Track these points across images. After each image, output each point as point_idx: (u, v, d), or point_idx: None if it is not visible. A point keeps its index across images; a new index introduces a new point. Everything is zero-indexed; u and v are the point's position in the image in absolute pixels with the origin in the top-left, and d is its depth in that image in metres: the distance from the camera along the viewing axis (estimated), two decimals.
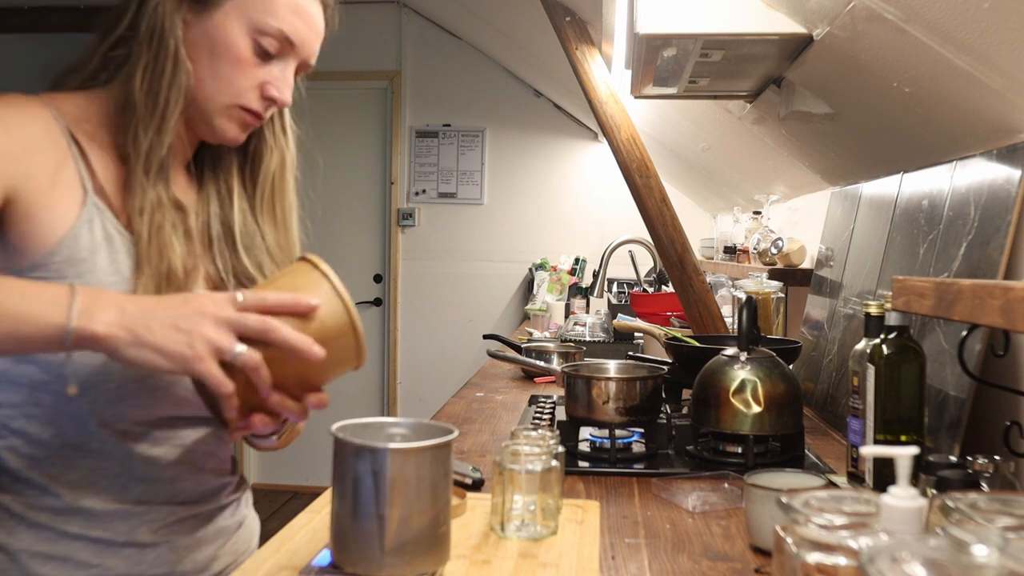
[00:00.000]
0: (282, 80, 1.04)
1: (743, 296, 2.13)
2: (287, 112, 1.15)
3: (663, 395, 1.53)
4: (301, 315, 0.86)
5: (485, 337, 2.93)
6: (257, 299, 0.85)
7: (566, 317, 3.49)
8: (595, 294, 3.46)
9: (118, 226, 0.98)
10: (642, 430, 1.51)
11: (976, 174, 1.31)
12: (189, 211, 1.07)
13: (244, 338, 0.83)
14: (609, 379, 1.48)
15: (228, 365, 0.83)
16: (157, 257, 0.99)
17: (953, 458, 0.93)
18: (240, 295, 0.84)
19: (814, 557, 0.65)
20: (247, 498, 1.18)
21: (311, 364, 0.85)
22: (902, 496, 0.64)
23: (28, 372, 0.95)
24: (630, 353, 2.12)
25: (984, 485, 0.87)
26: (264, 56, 1.02)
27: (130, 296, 0.86)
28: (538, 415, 1.78)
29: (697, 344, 1.79)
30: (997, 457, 0.89)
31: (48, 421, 0.96)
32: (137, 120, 0.98)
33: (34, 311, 0.81)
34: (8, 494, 0.96)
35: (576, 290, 4.26)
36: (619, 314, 2.88)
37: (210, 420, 1.06)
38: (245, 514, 1.16)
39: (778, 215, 2.75)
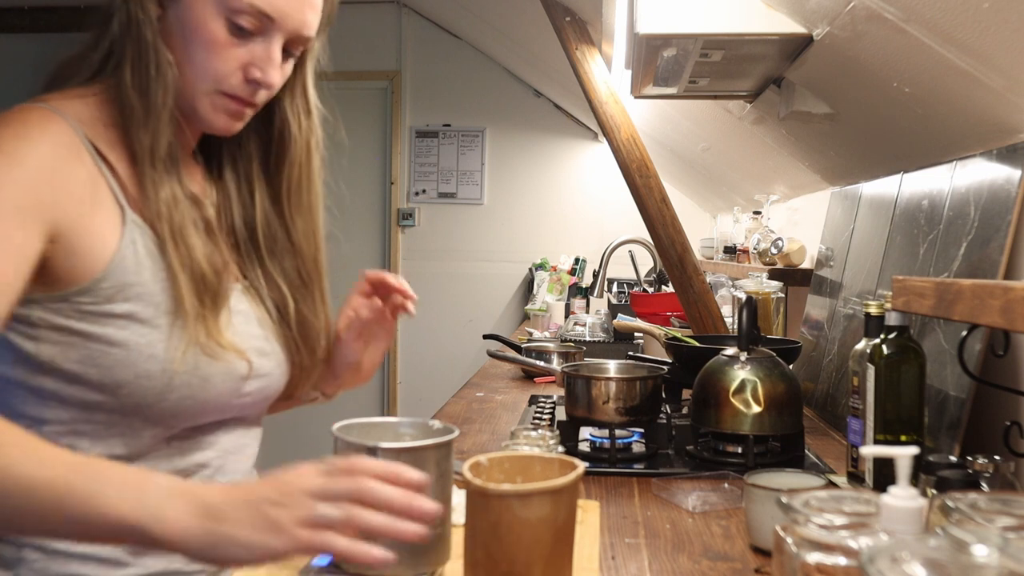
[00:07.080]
0: (266, 60, 0.95)
1: (743, 296, 2.13)
2: (311, 90, 1.08)
3: (663, 395, 1.53)
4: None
5: (485, 337, 2.93)
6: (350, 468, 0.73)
7: (566, 317, 3.49)
8: (595, 294, 3.46)
9: (157, 240, 0.95)
10: (642, 430, 1.51)
11: (976, 174, 1.31)
12: (206, 204, 1.02)
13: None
14: (609, 379, 1.48)
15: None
16: (187, 258, 0.94)
17: (953, 458, 0.93)
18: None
19: (814, 557, 0.65)
20: None
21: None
22: (902, 496, 0.64)
23: (79, 393, 0.91)
24: (630, 353, 2.12)
25: (984, 485, 0.87)
26: (241, 35, 0.94)
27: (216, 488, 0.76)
28: (538, 415, 1.78)
29: (697, 344, 1.79)
30: (997, 457, 0.89)
31: (98, 437, 0.93)
32: (135, 119, 0.94)
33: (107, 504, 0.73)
34: None
35: (576, 290, 4.25)
36: (619, 314, 2.88)
37: (244, 419, 1.05)
38: None
39: (778, 215, 2.75)
